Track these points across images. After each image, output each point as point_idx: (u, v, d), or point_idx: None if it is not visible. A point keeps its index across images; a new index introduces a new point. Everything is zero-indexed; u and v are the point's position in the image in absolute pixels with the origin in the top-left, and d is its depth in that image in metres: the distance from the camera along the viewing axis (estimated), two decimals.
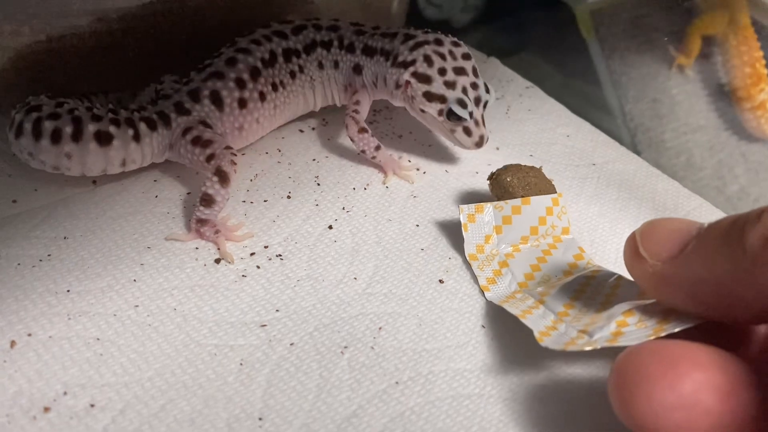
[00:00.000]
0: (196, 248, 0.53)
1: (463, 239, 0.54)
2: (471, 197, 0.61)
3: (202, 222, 0.53)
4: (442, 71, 0.60)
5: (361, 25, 0.66)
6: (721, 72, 0.77)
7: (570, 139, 0.72)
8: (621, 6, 0.81)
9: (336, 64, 0.65)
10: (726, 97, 0.77)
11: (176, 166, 0.59)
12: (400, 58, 0.61)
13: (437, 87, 0.59)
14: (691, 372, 0.34)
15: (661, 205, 0.65)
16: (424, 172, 0.64)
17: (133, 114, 0.56)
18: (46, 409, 0.41)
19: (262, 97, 0.61)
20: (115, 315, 0.47)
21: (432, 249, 0.56)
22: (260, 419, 0.42)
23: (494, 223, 0.54)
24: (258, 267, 0.52)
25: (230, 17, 0.68)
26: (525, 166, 0.58)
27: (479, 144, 0.61)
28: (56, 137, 0.53)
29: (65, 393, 0.42)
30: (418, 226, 0.58)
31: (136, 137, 0.55)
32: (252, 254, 0.53)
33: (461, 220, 0.54)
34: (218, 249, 0.53)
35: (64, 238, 0.52)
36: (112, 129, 0.54)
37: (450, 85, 0.59)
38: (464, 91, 0.59)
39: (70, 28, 0.61)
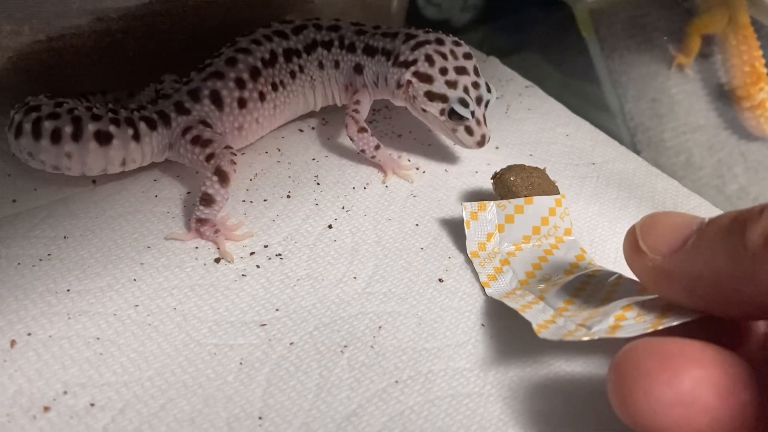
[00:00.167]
0: (196, 248, 0.53)
1: (464, 238, 0.54)
2: (470, 197, 0.62)
3: (201, 221, 0.53)
4: (444, 71, 0.60)
5: (362, 24, 0.66)
6: (721, 71, 0.77)
7: (569, 139, 0.72)
8: (620, 5, 0.81)
9: (337, 64, 0.65)
10: (725, 97, 0.77)
11: (176, 166, 0.59)
12: (402, 58, 0.61)
13: (439, 86, 0.60)
14: (690, 369, 0.34)
15: (661, 204, 0.65)
16: (424, 172, 0.64)
17: (133, 113, 0.56)
18: (46, 409, 0.41)
19: (262, 96, 0.61)
20: (115, 314, 0.47)
21: (431, 248, 0.56)
22: (260, 418, 0.42)
23: (497, 222, 0.55)
24: (258, 266, 0.52)
25: (230, 17, 0.68)
26: (529, 166, 0.58)
27: (481, 143, 0.61)
28: (56, 137, 0.53)
29: (65, 392, 0.42)
30: (417, 225, 0.58)
31: (136, 137, 0.55)
32: (252, 253, 0.53)
33: (464, 217, 0.55)
34: (218, 248, 0.53)
35: (64, 237, 0.53)
36: (111, 128, 0.54)
37: (451, 84, 0.59)
38: (466, 90, 0.60)
39: (69, 27, 0.61)
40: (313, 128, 0.68)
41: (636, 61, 0.80)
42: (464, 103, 0.59)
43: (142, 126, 0.56)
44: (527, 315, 0.45)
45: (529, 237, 0.55)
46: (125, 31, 0.63)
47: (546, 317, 0.45)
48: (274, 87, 0.62)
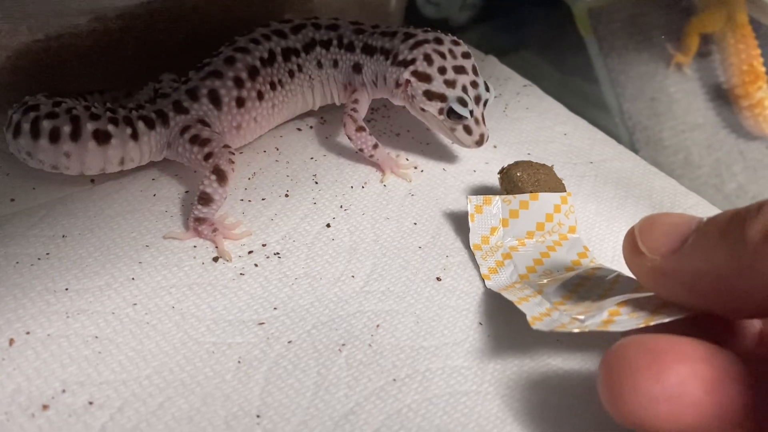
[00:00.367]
0: (194, 246, 0.53)
1: (462, 237, 0.55)
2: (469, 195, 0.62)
3: (200, 220, 0.54)
4: (442, 70, 0.60)
5: (361, 23, 0.66)
6: (719, 70, 0.77)
7: (568, 137, 0.72)
8: (619, 4, 0.81)
9: (335, 63, 0.65)
10: (724, 95, 0.77)
11: (174, 165, 0.59)
12: (400, 57, 0.61)
13: (437, 86, 0.60)
14: (677, 364, 0.34)
15: (659, 203, 0.65)
16: (422, 171, 0.64)
17: (132, 113, 0.56)
18: (45, 407, 0.41)
19: (261, 96, 0.61)
20: (113, 313, 0.47)
21: (429, 247, 0.56)
22: (258, 417, 0.42)
23: (501, 216, 0.55)
24: (256, 265, 0.52)
25: (229, 16, 0.68)
26: (536, 163, 0.58)
27: (480, 142, 0.61)
28: (55, 136, 0.53)
29: (64, 391, 0.42)
30: (415, 224, 0.58)
31: (135, 136, 0.55)
32: (250, 252, 0.53)
33: (468, 210, 0.55)
34: (216, 247, 0.53)
35: (63, 236, 0.53)
36: (110, 128, 0.54)
37: (450, 83, 0.60)
38: (464, 89, 0.60)
39: (68, 27, 0.61)
40: (311, 127, 0.68)
41: (634, 60, 0.80)
42: (463, 103, 0.59)
43: (141, 125, 0.56)
44: (523, 307, 0.45)
45: (533, 233, 0.55)
46: (124, 30, 0.64)
47: (541, 310, 0.45)
48: (273, 86, 0.62)
